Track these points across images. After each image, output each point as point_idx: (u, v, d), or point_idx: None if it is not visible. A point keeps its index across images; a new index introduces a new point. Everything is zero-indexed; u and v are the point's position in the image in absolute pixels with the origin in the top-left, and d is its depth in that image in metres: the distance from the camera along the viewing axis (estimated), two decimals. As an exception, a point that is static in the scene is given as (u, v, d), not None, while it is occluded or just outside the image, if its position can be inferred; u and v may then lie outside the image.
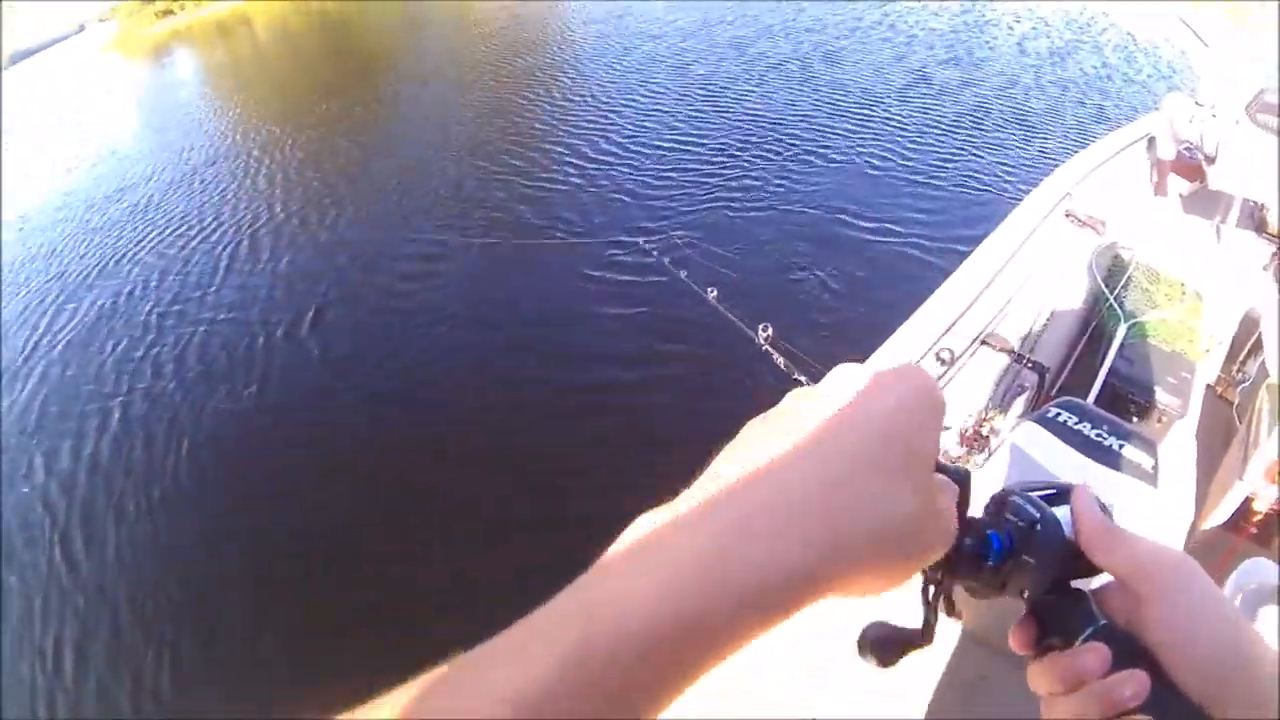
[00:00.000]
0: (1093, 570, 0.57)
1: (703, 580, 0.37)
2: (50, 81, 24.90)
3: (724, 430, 0.51)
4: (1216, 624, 0.51)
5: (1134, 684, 0.49)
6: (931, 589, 0.59)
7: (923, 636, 0.58)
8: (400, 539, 5.31)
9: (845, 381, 0.49)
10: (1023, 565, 0.57)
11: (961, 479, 0.55)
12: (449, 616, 4.36)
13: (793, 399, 0.52)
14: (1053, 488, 0.62)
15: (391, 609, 4.80)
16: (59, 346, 8.66)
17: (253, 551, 5.53)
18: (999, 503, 0.62)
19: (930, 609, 0.59)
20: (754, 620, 0.38)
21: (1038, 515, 0.58)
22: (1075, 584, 0.59)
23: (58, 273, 10.66)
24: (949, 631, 1.98)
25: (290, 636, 4.88)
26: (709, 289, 3.31)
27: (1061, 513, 0.59)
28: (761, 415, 0.51)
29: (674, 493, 0.46)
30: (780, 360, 2.29)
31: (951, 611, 0.60)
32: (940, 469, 0.51)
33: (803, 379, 2.03)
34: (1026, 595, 0.58)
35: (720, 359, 5.81)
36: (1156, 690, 0.49)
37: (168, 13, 29.80)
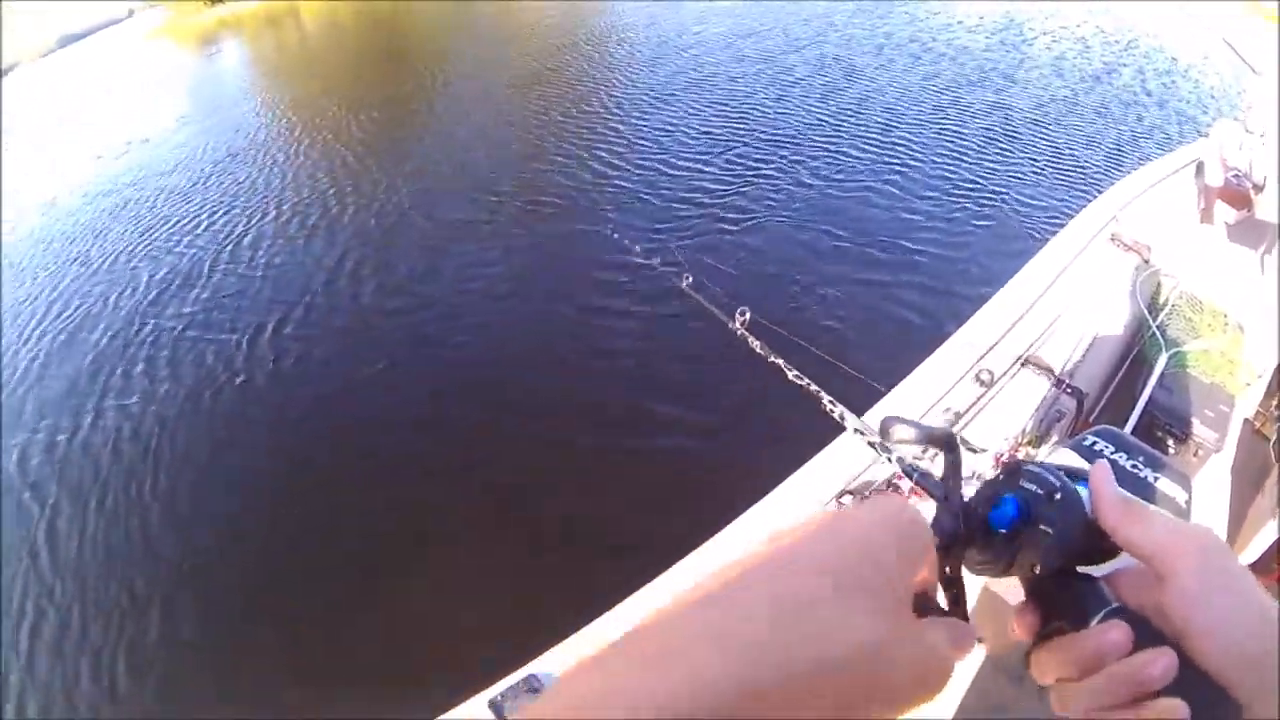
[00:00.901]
0: (1103, 556, 0.56)
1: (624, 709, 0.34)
2: (95, 66, 25.21)
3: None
4: (1247, 606, 0.49)
5: (1163, 661, 0.46)
6: (948, 567, 0.56)
7: (955, 614, 0.54)
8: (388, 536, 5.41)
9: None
10: (1038, 536, 0.55)
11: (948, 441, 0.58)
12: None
13: (789, 525, 0.47)
14: (1062, 467, 0.60)
15: (386, 605, 4.90)
16: (59, 335, 8.80)
17: (253, 550, 5.60)
18: (1011, 471, 0.60)
19: (952, 584, 0.56)
20: None
21: (1058, 483, 0.56)
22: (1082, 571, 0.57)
23: (76, 257, 10.83)
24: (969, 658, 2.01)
25: (284, 637, 4.94)
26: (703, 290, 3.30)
27: (1079, 490, 0.57)
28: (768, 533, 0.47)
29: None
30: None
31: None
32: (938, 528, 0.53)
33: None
34: (1038, 571, 0.55)
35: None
36: (1183, 672, 0.46)
37: (217, 0, 30.17)
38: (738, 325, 2.64)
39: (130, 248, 10.67)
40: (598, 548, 4.86)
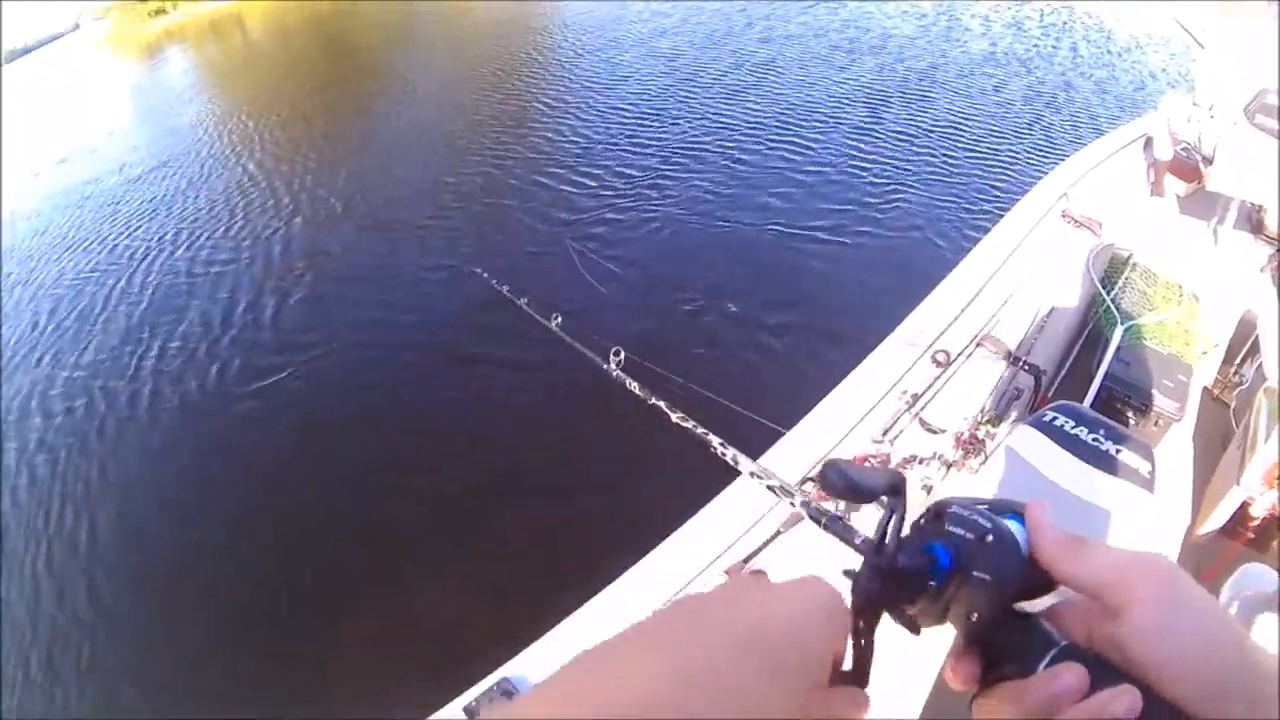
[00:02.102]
0: (1038, 593, 0.52)
1: None
2: (44, 79, 24.92)
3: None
4: (1212, 631, 0.45)
5: (1126, 700, 0.42)
6: (861, 623, 0.52)
7: (855, 679, 0.51)
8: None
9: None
10: (973, 584, 0.51)
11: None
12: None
13: (727, 590, 0.47)
14: (986, 502, 0.55)
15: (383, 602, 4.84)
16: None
17: (229, 557, 5.51)
18: (936, 514, 0.56)
19: (859, 646, 0.52)
20: None
21: (989, 525, 0.52)
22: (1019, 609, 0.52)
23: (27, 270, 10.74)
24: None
25: (257, 645, 4.87)
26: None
27: (1012, 526, 0.53)
28: (679, 602, 0.45)
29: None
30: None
31: (915, 629, 0.54)
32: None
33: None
34: (975, 619, 0.51)
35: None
36: (1149, 706, 0.42)
37: (160, 11, 29.80)
38: (613, 366, 2.57)
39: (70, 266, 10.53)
40: (562, 551, 4.79)
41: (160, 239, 10.51)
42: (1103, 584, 0.49)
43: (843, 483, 0.56)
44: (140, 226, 11.10)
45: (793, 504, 1.46)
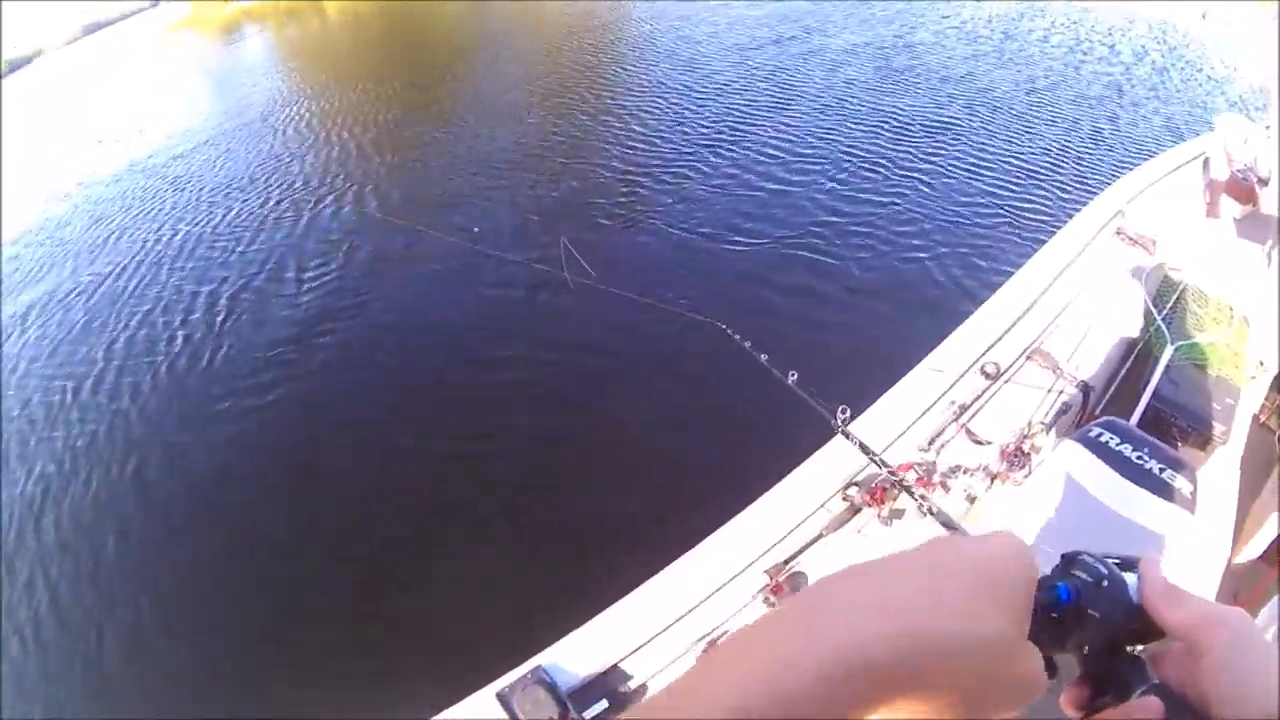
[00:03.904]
0: (1150, 638, 0.59)
1: (785, 662, 0.40)
2: (118, 56, 25.35)
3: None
4: (1270, 674, 0.51)
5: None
6: None
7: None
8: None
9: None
10: (1086, 619, 0.59)
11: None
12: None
13: (929, 546, 0.52)
14: (1117, 557, 0.63)
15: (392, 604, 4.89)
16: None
17: (260, 550, 5.58)
18: (1069, 560, 0.63)
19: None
20: (835, 699, 0.39)
21: (1105, 572, 0.60)
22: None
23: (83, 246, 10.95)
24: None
25: (292, 636, 4.93)
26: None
27: (1129, 577, 0.61)
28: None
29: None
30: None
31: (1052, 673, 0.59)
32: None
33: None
34: (1086, 651, 0.60)
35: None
36: None
37: None
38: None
39: (138, 235, 10.75)
40: (601, 544, 4.83)
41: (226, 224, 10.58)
42: (1189, 630, 0.55)
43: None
44: (208, 209, 11.17)
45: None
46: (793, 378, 2.46)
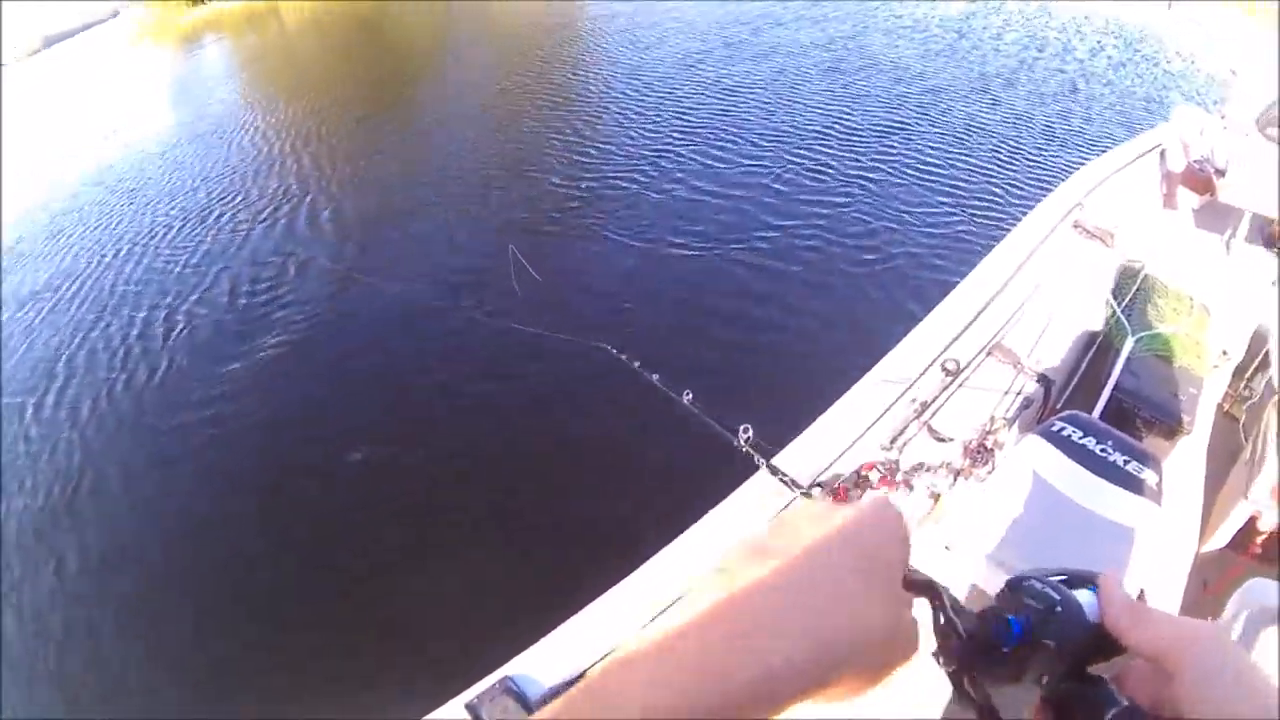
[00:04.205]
0: (1109, 655, 0.57)
1: (700, 676, 0.41)
2: (80, 66, 25.11)
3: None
4: (1248, 693, 0.50)
5: None
6: (965, 681, 0.58)
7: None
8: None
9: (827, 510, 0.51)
10: (1041, 650, 0.57)
11: (931, 586, 0.56)
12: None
13: (795, 516, 0.54)
14: (1066, 573, 0.61)
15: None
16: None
17: (232, 555, 5.51)
18: (1015, 587, 0.61)
19: (973, 697, 0.58)
20: (747, 710, 0.41)
21: (1058, 598, 0.58)
22: (1091, 670, 0.58)
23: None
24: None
25: (259, 644, 4.86)
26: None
27: (1081, 596, 0.58)
28: (774, 523, 0.54)
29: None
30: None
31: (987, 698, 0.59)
32: (908, 583, 0.54)
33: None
34: (1045, 681, 0.58)
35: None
36: None
37: (199, 1, 29.98)
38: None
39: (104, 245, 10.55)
40: (568, 549, 4.77)
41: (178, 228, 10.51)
42: (1160, 650, 0.54)
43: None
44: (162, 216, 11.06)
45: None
46: (687, 397, 2.40)
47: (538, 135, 11.71)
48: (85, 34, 31.03)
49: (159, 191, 11.92)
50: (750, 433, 2.13)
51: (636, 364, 2.77)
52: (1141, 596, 1.92)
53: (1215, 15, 13.95)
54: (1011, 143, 10.02)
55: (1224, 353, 3.60)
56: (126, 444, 6.73)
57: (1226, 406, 3.60)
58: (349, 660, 4.50)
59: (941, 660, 0.58)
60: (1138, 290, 3.68)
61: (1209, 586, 2.85)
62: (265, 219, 10.15)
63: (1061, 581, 0.60)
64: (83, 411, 7.14)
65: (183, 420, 6.82)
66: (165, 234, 10.38)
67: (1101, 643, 0.57)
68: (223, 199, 11.07)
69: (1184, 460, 3.04)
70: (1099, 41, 13.64)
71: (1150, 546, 2.14)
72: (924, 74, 12.54)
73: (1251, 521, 2.93)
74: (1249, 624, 2.09)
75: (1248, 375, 3.63)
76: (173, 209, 11.14)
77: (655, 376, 2.55)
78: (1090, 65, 12.64)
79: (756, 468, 1.98)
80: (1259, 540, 2.93)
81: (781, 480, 1.74)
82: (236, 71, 20.82)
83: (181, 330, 8.09)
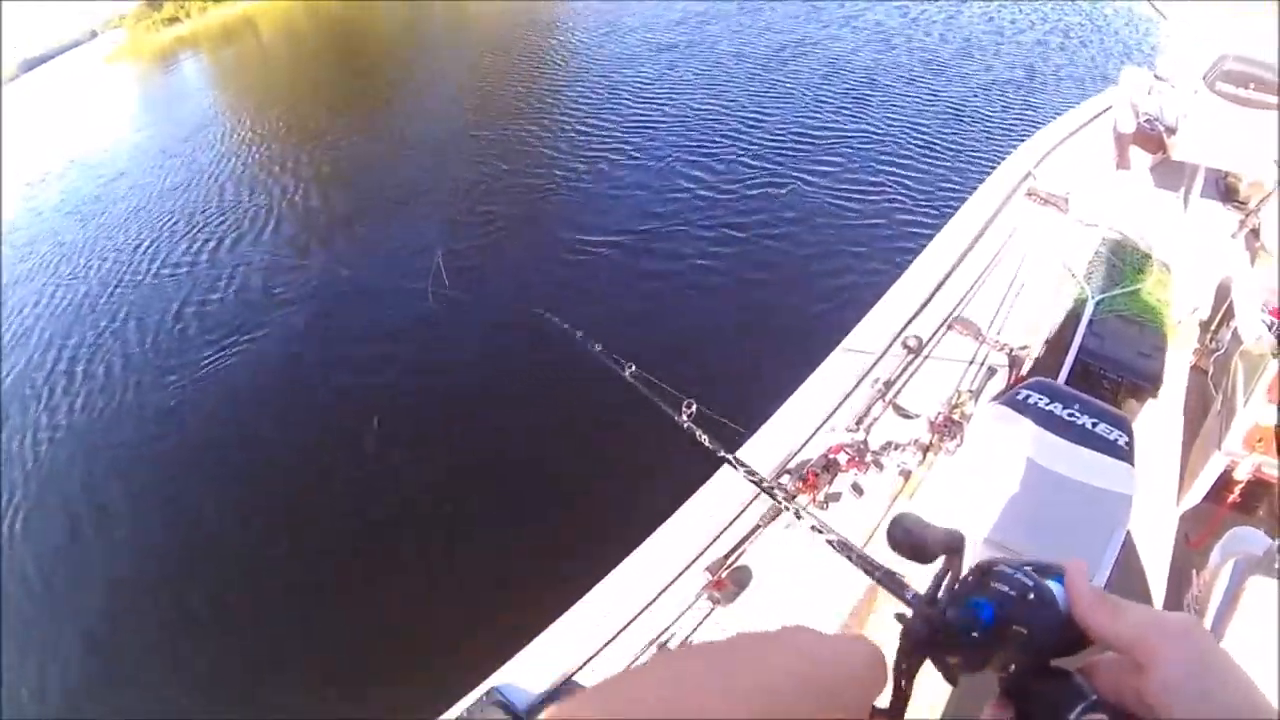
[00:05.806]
0: (1075, 649, 0.54)
1: None
2: (57, 89, 25.25)
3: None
4: (1227, 687, 0.48)
5: None
6: (905, 666, 0.57)
7: (891, 716, 0.55)
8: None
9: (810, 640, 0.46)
10: (1013, 637, 0.53)
11: (892, 576, 0.61)
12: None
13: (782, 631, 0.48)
14: (1032, 564, 0.57)
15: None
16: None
17: (220, 562, 5.44)
18: (983, 572, 0.58)
19: (899, 688, 0.57)
20: None
21: (1031, 584, 0.55)
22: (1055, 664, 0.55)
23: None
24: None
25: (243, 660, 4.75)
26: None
27: (1053, 586, 0.55)
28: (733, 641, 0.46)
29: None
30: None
31: (953, 678, 0.57)
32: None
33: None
34: (1012, 670, 0.54)
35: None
36: None
37: (174, 20, 29.99)
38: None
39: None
40: (545, 554, 4.67)
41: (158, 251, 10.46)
42: (1131, 642, 0.50)
43: (907, 541, 0.65)
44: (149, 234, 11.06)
45: (830, 541, 1.36)
46: (630, 370, 2.34)
47: (505, 130, 11.84)
48: (63, 57, 31.27)
49: (125, 210, 12.11)
50: (694, 408, 2.07)
51: (579, 334, 2.70)
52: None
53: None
54: (959, 115, 9.96)
55: (1195, 310, 3.58)
56: (127, 442, 6.75)
57: (1194, 360, 3.56)
58: (334, 677, 4.41)
59: (904, 636, 0.57)
60: (1096, 253, 3.66)
61: (1191, 540, 2.80)
62: (241, 228, 10.24)
63: (1033, 568, 0.57)
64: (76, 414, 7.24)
65: (176, 427, 6.82)
66: (132, 249, 10.54)
67: (1068, 635, 0.53)
68: (199, 211, 11.22)
69: (1156, 417, 3.00)
70: (1045, 10, 13.60)
71: (1127, 506, 2.09)
72: (872, 57, 12.56)
73: (1228, 472, 2.88)
74: (1235, 572, 2.04)
75: (1213, 328, 3.59)
76: (133, 228, 11.31)
77: (598, 348, 2.49)
78: (1034, 34, 12.59)
79: (720, 461, 1.91)
80: (1236, 490, 2.89)
81: (747, 476, 1.68)
82: (208, 87, 21.08)
83: (181, 330, 8.16)
